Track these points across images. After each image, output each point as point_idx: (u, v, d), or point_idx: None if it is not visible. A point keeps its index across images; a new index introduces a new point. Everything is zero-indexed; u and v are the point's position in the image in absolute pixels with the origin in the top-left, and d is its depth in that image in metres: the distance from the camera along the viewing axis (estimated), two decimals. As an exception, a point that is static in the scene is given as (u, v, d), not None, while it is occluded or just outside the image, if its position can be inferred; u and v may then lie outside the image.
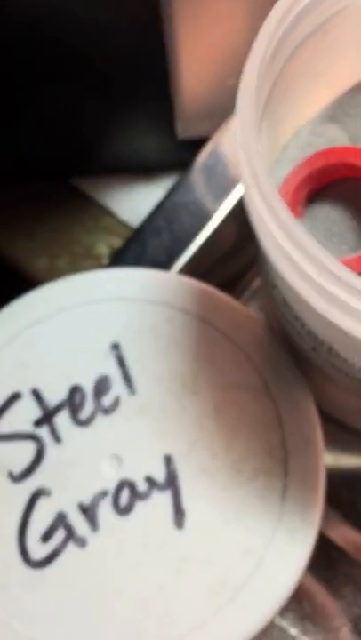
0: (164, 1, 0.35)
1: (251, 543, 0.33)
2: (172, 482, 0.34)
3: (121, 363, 0.36)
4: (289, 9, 0.32)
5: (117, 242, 0.44)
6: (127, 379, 0.36)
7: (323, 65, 0.35)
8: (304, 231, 0.25)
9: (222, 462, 0.34)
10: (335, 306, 0.26)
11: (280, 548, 0.33)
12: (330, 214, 0.34)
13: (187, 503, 0.34)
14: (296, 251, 0.26)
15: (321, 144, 0.36)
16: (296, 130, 0.36)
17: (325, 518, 0.34)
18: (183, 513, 0.34)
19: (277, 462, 0.34)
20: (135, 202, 0.44)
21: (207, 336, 0.36)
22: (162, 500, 0.34)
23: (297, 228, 0.26)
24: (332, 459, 0.41)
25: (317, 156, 0.33)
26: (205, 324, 0.36)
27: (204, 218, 0.41)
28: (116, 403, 0.35)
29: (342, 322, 0.26)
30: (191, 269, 0.40)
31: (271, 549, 0.33)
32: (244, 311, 0.37)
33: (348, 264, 0.32)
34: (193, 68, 0.42)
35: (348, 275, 0.25)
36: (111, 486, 0.34)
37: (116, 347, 0.36)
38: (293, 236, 0.26)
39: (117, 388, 0.36)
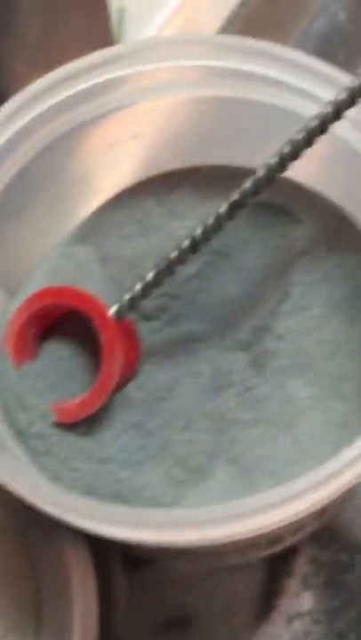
0: None
1: None
2: None
3: None
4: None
5: None
6: None
7: (68, 185, 0.34)
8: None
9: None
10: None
11: None
12: (61, 352, 0.32)
13: None
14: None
15: (69, 268, 0.34)
16: (44, 254, 0.34)
17: None
18: None
19: (30, 617, 0.32)
20: None
21: None
22: None
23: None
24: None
25: (33, 298, 0.31)
26: None
27: None
28: None
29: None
30: None
31: None
32: None
33: (69, 410, 0.30)
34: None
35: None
36: None
37: None
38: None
39: None
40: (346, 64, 0.42)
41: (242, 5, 0.43)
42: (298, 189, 0.33)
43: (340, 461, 0.24)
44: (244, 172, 0.33)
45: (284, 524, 0.24)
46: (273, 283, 0.32)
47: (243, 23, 0.43)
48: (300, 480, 0.24)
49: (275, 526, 0.24)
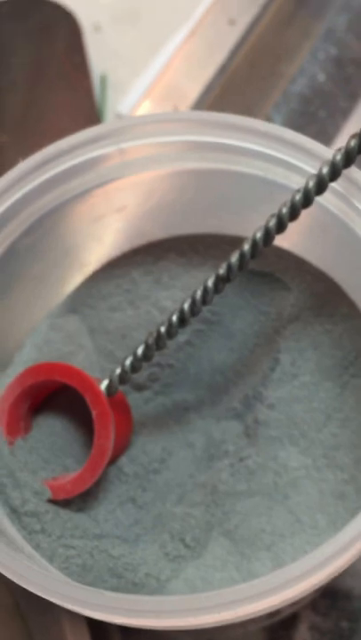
0: None
1: None
2: None
3: None
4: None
5: None
6: None
7: (55, 259, 0.34)
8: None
9: None
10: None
11: None
12: (55, 426, 0.32)
13: None
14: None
15: (59, 340, 0.34)
16: (33, 325, 0.34)
17: None
18: None
19: None
20: None
21: None
22: None
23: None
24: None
25: (25, 374, 0.31)
26: None
27: None
28: None
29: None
30: None
31: None
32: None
33: (63, 487, 0.30)
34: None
35: None
36: None
37: None
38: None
39: None
40: (327, 123, 0.43)
41: (222, 69, 0.43)
42: (286, 257, 0.33)
43: (337, 544, 0.24)
44: (229, 240, 0.34)
45: (281, 606, 0.24)
46: (263, 350, 0.32)
47: (223, 87, 0.43)
48: (297, 565, 0.24)
49: (272, 609, 0.24)
